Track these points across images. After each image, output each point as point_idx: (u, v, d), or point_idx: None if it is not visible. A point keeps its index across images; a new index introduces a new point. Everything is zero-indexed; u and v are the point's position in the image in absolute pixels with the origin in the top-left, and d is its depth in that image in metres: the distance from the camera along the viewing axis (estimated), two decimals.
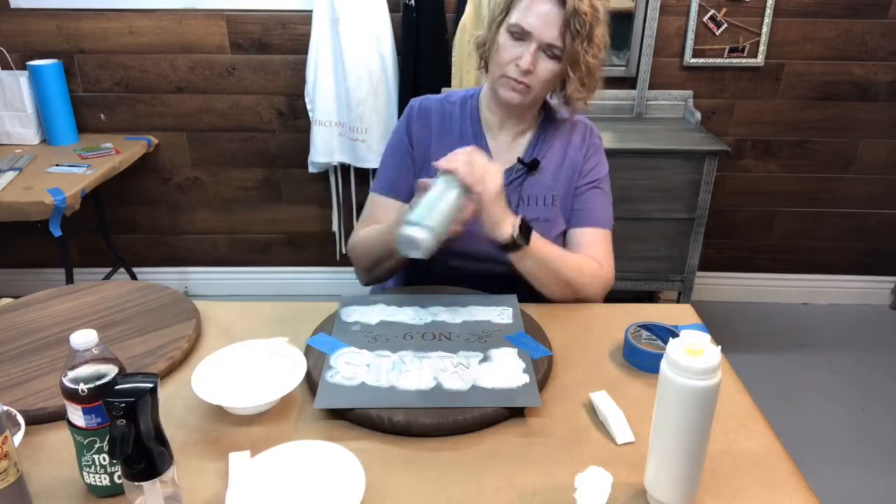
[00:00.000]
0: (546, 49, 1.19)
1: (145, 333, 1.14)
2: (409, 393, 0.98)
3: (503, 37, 1.21)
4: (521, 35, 1.18)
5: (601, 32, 1.21)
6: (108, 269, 2.76)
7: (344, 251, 2.84)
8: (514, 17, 1.19)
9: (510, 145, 1.34)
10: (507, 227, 1.14)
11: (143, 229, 2.84)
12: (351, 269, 2.93)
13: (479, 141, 1.32)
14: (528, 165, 1.31)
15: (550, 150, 1.33)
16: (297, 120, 2.64)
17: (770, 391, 2.35)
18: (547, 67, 1.20)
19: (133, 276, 2.80)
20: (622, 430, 0.93)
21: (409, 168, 1.35)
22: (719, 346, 0.76)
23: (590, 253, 1.29)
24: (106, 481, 0.82)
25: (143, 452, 0.74)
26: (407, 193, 1.31)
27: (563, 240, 1.35)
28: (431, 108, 1.35)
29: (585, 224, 1.32)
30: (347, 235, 2.82)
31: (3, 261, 2.87)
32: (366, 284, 1.38)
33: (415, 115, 1.34)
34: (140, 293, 1.27)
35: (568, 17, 1.15)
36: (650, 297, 2.80)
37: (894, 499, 1.92)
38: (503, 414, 0.96)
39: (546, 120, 1.35)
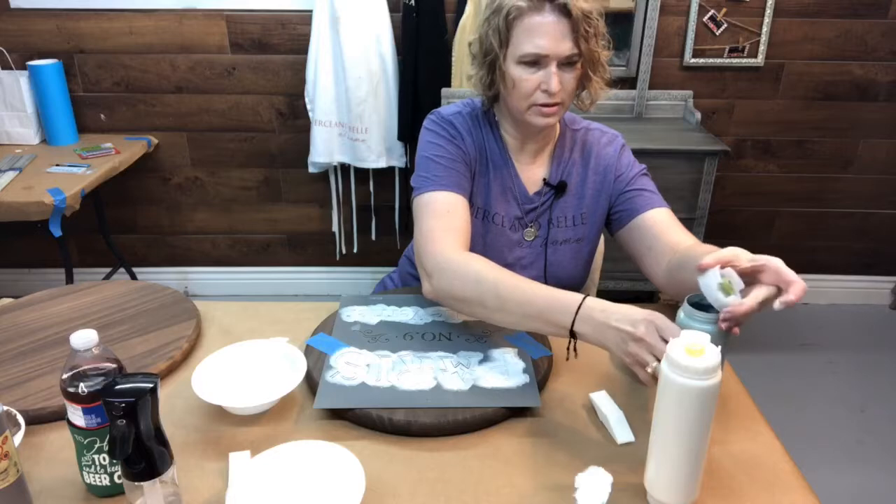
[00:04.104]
0: (565, 61, 1.12)
1: (145, 333, 1.14)
2: (409, 393, 0.98)
3: (517, 70, 1.13)
4: (536, 60, 1.11)
5: (600, 18, 1.15)
6: (108, 269, 2.76)
7: (344, 251, 2.85)
8: (522, 48, 1.11)
9: (532, 165, 1.27)
10: None
11: (143, 229, 2.84)
12: (351, 268, 2.97)
13: (507, 162, 1.26)
14: (556, 188, 1.26)
15: (573, 167, 1.28)
16: (297, 120, 2.64)
17: (770, 391, 2.34)
18: (570, 78, 1.14)
19: (133, 276, 2.80)
20: (622, 430, 0.93)
21: (469, 174, 1.23)
22: (719, 346, 0.76)
23: (675, 235, 1.18)
24: (106, 481, 0.82)
25: (143, 452, 0.74)
26: (468, 198, 1.21)
27: (592, 255, 1.33)
28: (469, 125, 1.26)
29: (654, 205, 1.23)
30: (348, 235, 2.82)
31: (3, 261, 2.87)
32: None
33: (462, 129, 1.24)
34: (140, 293, 1.27)
35: (577, 24, 1.10)
36: (650, 298, 2.80)
37: (894, 499, 1.92)
38: (503, 414, 0.96)
39: (562, 132, 1.30)
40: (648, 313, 0.89)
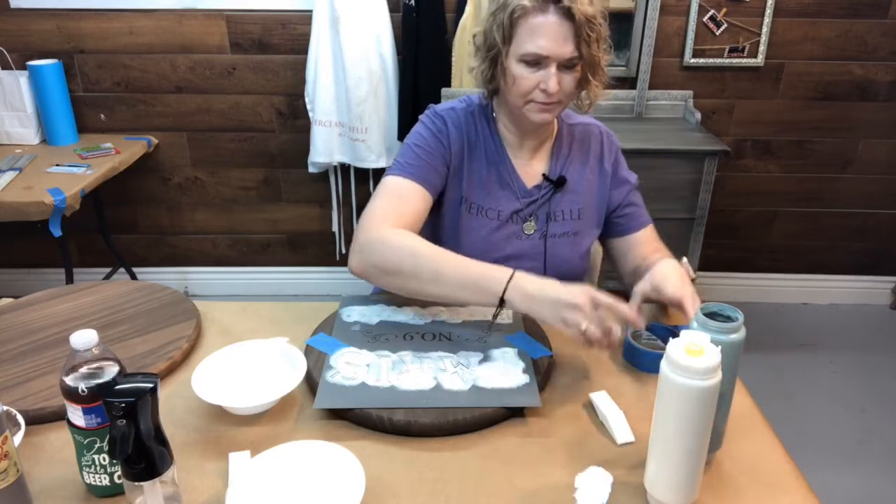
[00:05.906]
0: (565, 63, 1.13)
1: (145, 333, 1.14)
2: (409, 393, 0.98)
3: (517, 68, 1.14)
4: (537, 60, 1.13)
5: (604, 22, 1.16)
6: (108, 269, 2.76)
7: (344, 251, 2.85)
8: (524, 46, 1.12)
9: (531, 161, 1.29)
10: None
11: (143, 229, 2.84)
12: None
13: (503, 157, 1.27)
14: (556, 183, 1.28)
15: (571, 162, 1.30)
16: (297, 120, 2.64)
17: (770, 391, 2.34)
18: (570, 79, 1.16)
19: (133, 276, 2.80)
20: (622, 430, 0.93)
21: (443, 169, 1.25)
22: (719, 347, 0.76)
23: (652, 247, 1.31)
24: (106, 481, 0.82)
25: (143, 452, 0.74)
26: (435, 191, 1.24)
27: (590, 247, 1.35)
28: (461, 120, 1.27)
29: (642, 224, 1.34)
30: (348, 235, 2.82)
31: (3, 261, 2.87)
32: (357, 275, 1.18)
33: (450, 124, 1.26)
34: (140, 293, 1.27)
35: (579, 28, 1.10)
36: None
37: (894, 499, 1.92)
38: (503, 414, 0.96)
39: (559, 128, 1.32)
40: (581, 289, 0.98)
